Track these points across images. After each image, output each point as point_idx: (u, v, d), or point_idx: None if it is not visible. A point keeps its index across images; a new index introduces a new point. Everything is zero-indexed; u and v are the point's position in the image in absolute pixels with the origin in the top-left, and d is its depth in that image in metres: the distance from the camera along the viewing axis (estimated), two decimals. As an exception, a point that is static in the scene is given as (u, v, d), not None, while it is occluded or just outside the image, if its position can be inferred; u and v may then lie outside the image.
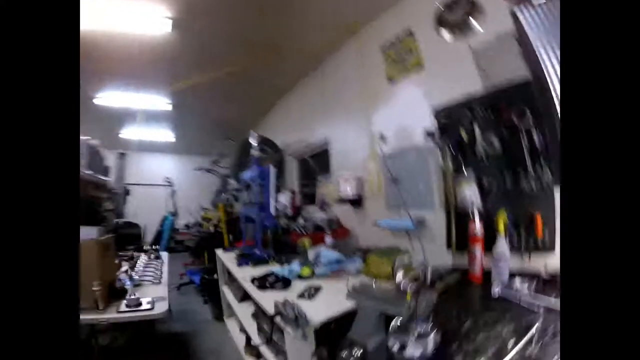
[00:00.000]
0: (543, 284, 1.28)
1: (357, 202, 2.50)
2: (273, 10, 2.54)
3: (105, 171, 3.30)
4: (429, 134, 1.88)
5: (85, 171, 2.56)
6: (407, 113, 2.21)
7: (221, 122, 5.42)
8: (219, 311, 2.99)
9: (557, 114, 1.21)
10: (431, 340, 0.82)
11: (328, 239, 2.33)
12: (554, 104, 1.20)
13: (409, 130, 2.18)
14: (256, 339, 1.83)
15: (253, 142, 2.75)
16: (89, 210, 2.68)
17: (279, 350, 1.53)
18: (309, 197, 3.57)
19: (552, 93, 1.17)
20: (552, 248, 1.51)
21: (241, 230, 3.02)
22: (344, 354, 0.81)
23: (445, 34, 1.51)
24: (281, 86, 4.03)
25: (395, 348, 0.82)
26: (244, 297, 2.26)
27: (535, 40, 1.25)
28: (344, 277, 1.80)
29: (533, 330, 0.88)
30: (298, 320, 1.17)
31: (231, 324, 2.61)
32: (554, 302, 1.08)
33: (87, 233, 1.77)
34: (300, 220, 2.85)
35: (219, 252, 2.88)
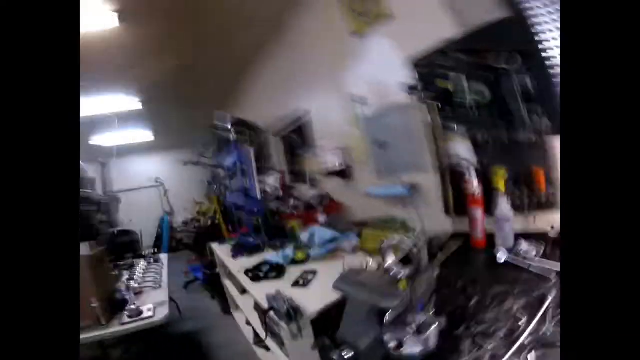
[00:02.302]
0: (552, 245, 1.17)
1: (344, 173, 2.37)
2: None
3: (88, 184, 3.17)
4: (411, 88, 1.70)
5: None
6: (382, 69, 2.00)
7: (197, 110, 5.11)
8: (226, 305, 2.95)
9: (545, 52, 1.07)
10: (433, 333, 0.71)
11: (320, 217, 2.23)
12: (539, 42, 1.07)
13: (387, 87, 1.98)
14: (260, 332, 1.78)
15: (226, 124, 2.59)
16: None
17: (282, 342, 1.47)
18: (298, 175, 3.43)
19: (536, 30, 1.06)
20: (557, 205, 1.37)
21: (234, 219, 2.92)
22: (334, 357, 0.70)
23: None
24: (246, 61, 3.76)
25: (392, 346, 0.72)
26: (245, 289, 2.19)
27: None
28: (341, 256, 1.72)
29: (546, 304, 0.78)
30: (291, 313, 1.09)
31: (239, 317, 2.56)
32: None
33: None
34: (291, 201, 2.73)
35: (214, 245, 2.81)
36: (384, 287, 0.76)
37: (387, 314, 0.77)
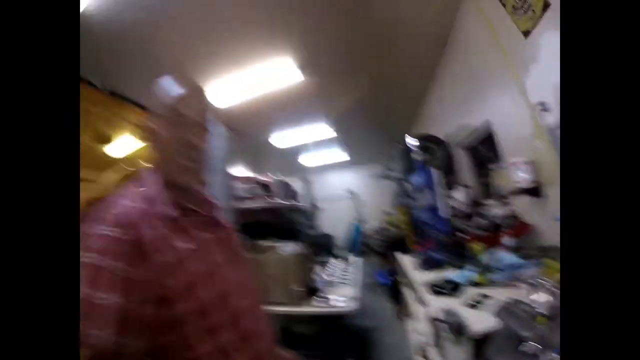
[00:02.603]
0: None
1: (534, 191, 2.06)
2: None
3: (296, 196, 4.14)
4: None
5: (280, 200, 3.37)
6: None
7: (384, 129, 5.69)
8: (401, 310, 3.16)
9: None
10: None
11: (506, 240, 2.06)
12: None
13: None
14: (425, 341, 1.89)
15: (411, 145, 2.79)
16: (288, 228, 3.45)
17: (443, 354, 1.54)
18: (486, 191, 3.18)
19: None
20: None
21: (421, 233, 3.07)
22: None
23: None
24: (423, 77, 3.93)
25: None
26: (421, 299, 2.33)
27: None
28: (518, 284, 1.59)
29: None
30: (456, 328, 1.18)
31: (410, 323, 2.75)
32: None
33: (289, 247, 2.45)
34: (477, 219, 2.60)
35: (400, 255, 3.08)
36: (527, 318, 0.77)
37: (524, 344, 0.78)
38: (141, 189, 0.64)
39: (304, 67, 3.26)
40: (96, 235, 0.54)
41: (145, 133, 0.70)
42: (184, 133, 0.65)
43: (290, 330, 2.71)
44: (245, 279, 0.69)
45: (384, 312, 3.70)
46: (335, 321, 2.70)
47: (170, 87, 0.67)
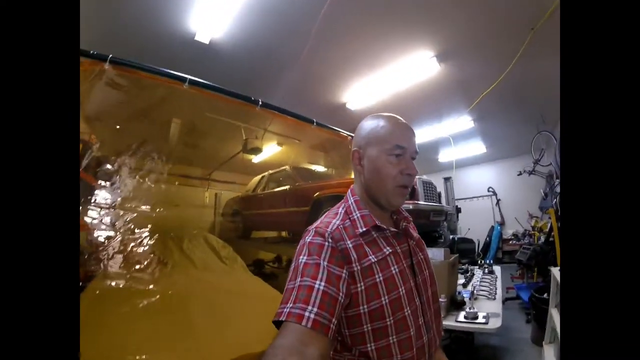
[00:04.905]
0: None
1: None
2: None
3: (438, 197, 4.26)
4: None
5: (424, 202, 3.53)
6: None
7: (528, 116, 5.06)
8: (540, 334, 2.87)
9: None
10: None
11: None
12: None
13: None
14: None
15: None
16: (431, 233, 3.61)
17: None
18: None
19: None
20: None
21: None
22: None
23: None
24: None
25: None
26: None
27: None
28: None
29: None
30: None
31: (548, 351, 2.49)
32: None
33: (435, 254, 2.32)
34: None
35: (554, 270, 2.70)
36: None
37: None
38: (345, 210, 0.79)
39: (442, 56, 3.38)
40: (315, 244, 0.69)
41: (357, 161, 0.81)
42: (405, 163, 0.76)
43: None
44: (420, 286, 0.79)
45: (518, 333, 3.36)
46: (466, 336, 2.66)
47: (392, 125, 0.77)
